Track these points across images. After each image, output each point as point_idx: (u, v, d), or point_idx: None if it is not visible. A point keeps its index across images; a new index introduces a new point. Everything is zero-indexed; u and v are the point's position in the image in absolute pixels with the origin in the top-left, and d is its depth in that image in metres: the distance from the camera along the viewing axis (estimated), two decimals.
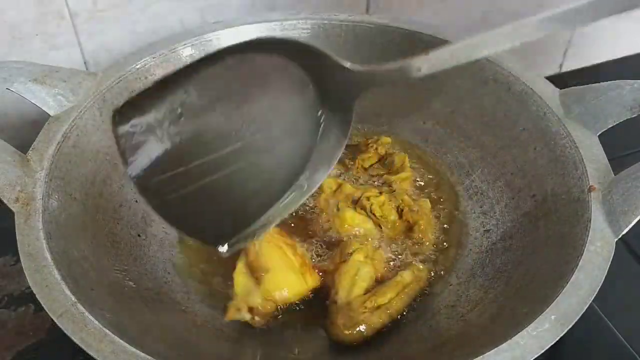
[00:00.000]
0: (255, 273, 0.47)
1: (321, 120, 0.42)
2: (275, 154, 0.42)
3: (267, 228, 0.41)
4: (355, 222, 0.51)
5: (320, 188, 0.51)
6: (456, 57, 0.35)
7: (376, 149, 0.59)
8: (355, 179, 0.57)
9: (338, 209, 0.52)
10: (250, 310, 0.46)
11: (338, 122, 0.41)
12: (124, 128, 0.37)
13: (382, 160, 0.59)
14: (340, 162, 0.57)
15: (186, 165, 0.39)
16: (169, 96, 0.38)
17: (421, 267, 0.50)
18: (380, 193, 0.53)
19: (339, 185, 0.54)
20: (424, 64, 0.36)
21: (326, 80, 0.40)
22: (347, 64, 0.38)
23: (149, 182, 0.38)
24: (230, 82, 0.39)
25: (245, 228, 0.41)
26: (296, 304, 0.48)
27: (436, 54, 0.35)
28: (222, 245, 0.41)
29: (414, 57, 0.36)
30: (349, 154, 0.59)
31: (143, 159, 0.38)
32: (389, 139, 0.60)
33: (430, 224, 0.53)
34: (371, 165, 0.59)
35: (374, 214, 0.52)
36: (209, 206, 0.41)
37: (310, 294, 0.48)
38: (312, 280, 0.48)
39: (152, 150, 0.38)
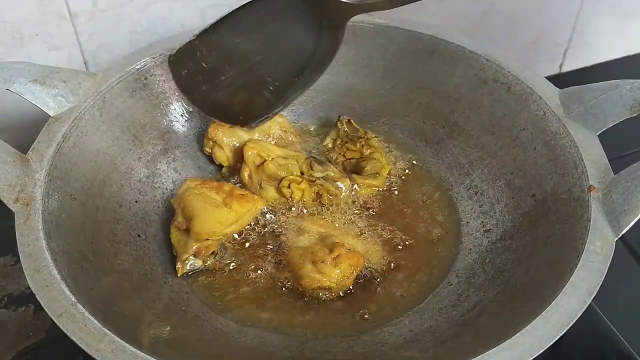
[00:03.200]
0: (186, 225, 0.51)
1: (318, 38, 0.51)
2: (283, 61, 0.53)
3: (282, 109, 0.55)
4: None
5: (246, 162, 0.56)
6: None
7: (362, 146, 0.59)
8: (335, 161, 0.60)
9: (261, 187, 0.55)
10: (195, 256, 0.50)
11: (331, 40, 0.51)
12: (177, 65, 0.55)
13: (361, 160, 0.59)
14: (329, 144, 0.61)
15: (222, 75, 0.54)
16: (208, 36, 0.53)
17: None
18: (302, 179, 0.55)
19: (263, 162, 0.55)
20: None
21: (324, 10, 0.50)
22: None
23: (193, 90, 0.55)
24: (252, 19, 0.52)
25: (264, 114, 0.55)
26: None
27: None
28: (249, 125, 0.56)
29: None
30: (344, 138, 0.60)
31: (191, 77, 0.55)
32: (375, 143, 0.59)
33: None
34: (350, 159, 0.59)
35: (292, 198, 0.55)
36: (239, 100, 0.55)
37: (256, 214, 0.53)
38: (239, 206, 0.51)
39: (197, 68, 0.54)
